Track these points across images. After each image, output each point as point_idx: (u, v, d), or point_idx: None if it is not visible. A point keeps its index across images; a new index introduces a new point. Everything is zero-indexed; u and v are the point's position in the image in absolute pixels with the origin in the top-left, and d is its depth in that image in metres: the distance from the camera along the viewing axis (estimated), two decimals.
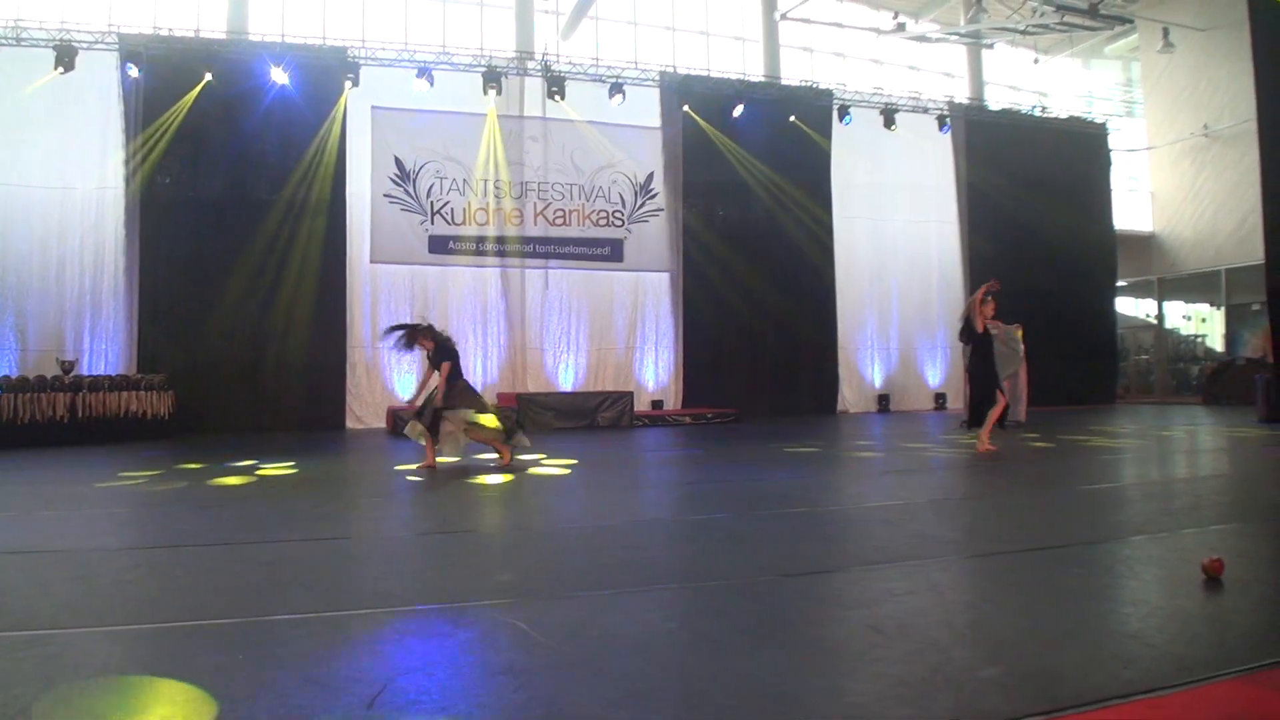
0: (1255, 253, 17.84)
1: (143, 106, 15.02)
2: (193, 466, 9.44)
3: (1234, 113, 21.20)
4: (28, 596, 3.93)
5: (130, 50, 14.83)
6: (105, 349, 15.04)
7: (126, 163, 14.94)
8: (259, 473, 8.87)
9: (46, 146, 14.83)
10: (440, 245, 17.06)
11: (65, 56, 14.36)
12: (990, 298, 10.08)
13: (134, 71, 14.79)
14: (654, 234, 18.40)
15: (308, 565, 4.60)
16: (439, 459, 9.03)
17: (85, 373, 13.86)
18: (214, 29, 16.57)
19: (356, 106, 16.38)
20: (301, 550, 5.03)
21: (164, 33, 15.43)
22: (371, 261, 16.66)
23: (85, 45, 14.65)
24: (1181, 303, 25.12)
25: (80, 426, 12.62)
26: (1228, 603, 3.64)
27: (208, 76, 15.06)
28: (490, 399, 16.44)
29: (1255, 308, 21.06)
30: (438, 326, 16.61)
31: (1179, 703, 2.55)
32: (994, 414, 9.92)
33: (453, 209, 17.16)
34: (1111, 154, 22.61)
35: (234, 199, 15.47)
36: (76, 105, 14.89)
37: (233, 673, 2.84)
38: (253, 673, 2.85)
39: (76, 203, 14.96)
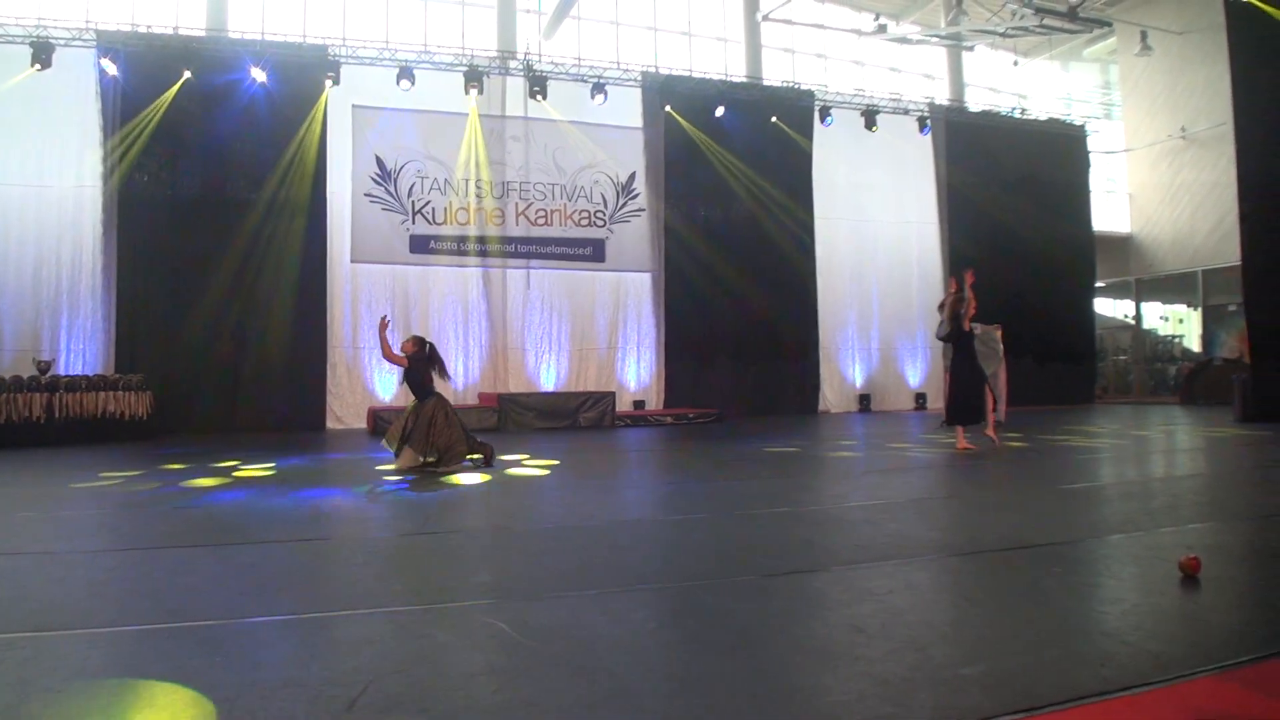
0: (1232, 254, 18.04)
1: (121, 104, 14.88)
2: (172, 467, 9.37)
3: (1211, 115, 21.41)
4: (4, 599, 3.89)
5: (108, 47, 14.69)
6: (83, 349, 14.89)
7: (104, 161, 14.80)
8: (238, 473, 8.81)
9: (23, 144, 14.68)
10: (421, 245, 17.00)
11: (42, 53, 14.23)
12: (972, 292, 10.25)
13: (111, 68, 14.66)
14: (636, 234, 18.41)
15: (288, 566, 4.58)
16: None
17: (62, 373, 13.73)
18: (193, 26, 16.44)
19: (337, 105, 16.30)
20: (281, 551, 5.00)
21: (142, 29, 15.30)
22: (352, 261, 16.58)
23: (62, 42, 14.52)
24: (1159, 303, 25.34)
25: (57, 427, 12.51)
26: (1205, 601, 3.68)
27: (187, 74, 14.94)
28: (472, 399, 16.51)
29: (1232, 308, 21.30)
30: (418, 327, 16.76)
31: (1156, 700, 2.57)
32: (990, 411, 10.25)
33: (434, 208, 17.10)
34: (1090, 155, 22.80)
35: (213, 198, 15.33)
36: (53, 102, 14.76)
37: (213, 675, 2.83)
38: (233, 675, 2.83)
39: (53, 201, 14.82)
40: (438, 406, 8.99)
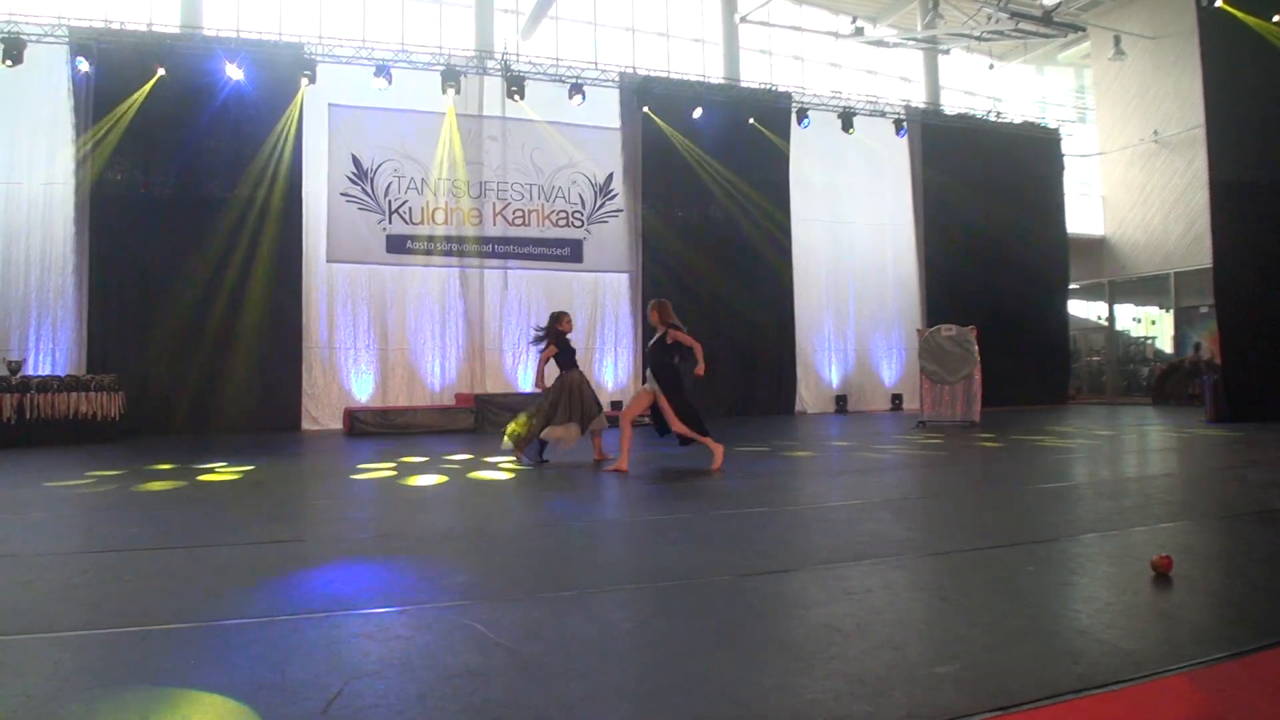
0: (1203, 256, 18.22)
1: (93, 101, 14.73)
2: (144, 469, 9.27)
3: (1182, 119, 21.64)
4: None
5: (80, 43, 14.53)
6: (54, 349, 14.70)
7: (76, 158, 14.63)
8: (212, 475, 8.74)
9: None
10: (398, 245, 16.92)
11: (13, 49, 14.05)
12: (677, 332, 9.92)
13: (84, 65, 14.49)
14: (613, 235, 18.39)
15: (260, 569, 4.54)
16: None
17: (33, 373, 13.57)
18: (167, 23, 16.27)
19: (313, 104, 16.19)
20: (254, 554, 4.96)
21: (115, 26, 15.12)
22: (328, 261, 16.46)
23: (34, 38, 14.34)
24: (1132, 305, 25.57)
25: (28, 428, 12.35)
26: (1176, 599, 3.71)
27: (161, 71, 14.80)
28: (449, 400, 16.45)
29: (1203, 310, 21.52)
30: (394, 328, 16.65)
31: (1129, 697, 2.59)
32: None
33: (411, 208, 17.02)
34: (1064, 159, 22.97)
35: (187, 196, 15.20)
36: (24, 99, 14.58)
37: (184, 679, 2.80)
38: (205, 679, 2.80)
39: (24, 199, 14.64)
40: (581, 377, 9.73)
